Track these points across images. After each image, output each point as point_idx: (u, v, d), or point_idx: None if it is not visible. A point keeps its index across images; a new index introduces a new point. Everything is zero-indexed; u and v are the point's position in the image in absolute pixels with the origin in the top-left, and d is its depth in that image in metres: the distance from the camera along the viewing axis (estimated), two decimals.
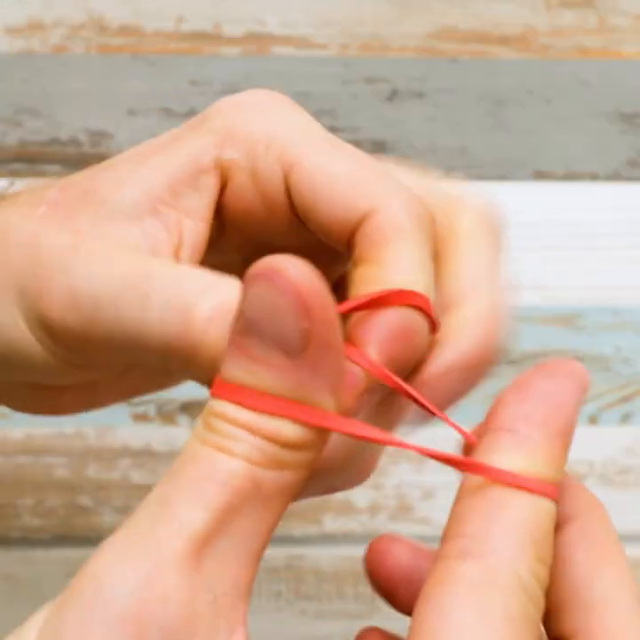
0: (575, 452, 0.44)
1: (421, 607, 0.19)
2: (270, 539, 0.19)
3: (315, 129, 0.25)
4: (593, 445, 0.43)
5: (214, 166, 0.25)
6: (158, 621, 0.17)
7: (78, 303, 0.23)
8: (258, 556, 0.19)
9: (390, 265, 0.23)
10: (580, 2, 0.43)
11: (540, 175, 0.43)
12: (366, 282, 0.23)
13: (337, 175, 0.24)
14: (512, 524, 0.19)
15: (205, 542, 0.18)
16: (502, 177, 0.43)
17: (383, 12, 0.43)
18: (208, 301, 0.21)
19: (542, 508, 0.20)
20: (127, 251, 0.24)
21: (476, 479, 0.21)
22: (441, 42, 0.43)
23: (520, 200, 0.43)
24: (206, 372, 0.21)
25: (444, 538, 0.20)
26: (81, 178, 0.25)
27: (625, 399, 0.43)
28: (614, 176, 0.43)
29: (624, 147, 0.43)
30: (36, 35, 0.43)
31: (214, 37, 0.43)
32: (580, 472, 0.43)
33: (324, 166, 0.24)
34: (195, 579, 0.17)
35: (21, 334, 0.24)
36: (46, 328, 0.23)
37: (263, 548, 0.19)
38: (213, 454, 0.18)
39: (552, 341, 0.43)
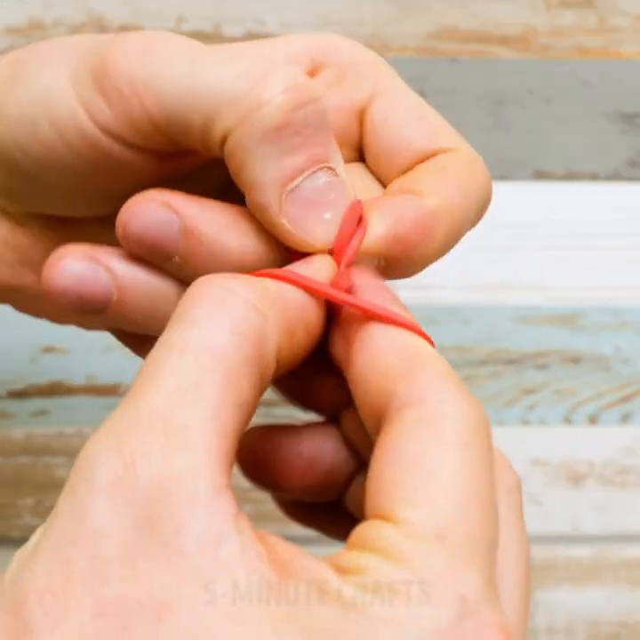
0: (576, 452, 0.45)
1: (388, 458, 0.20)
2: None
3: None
4: (593, 445, 0.43)
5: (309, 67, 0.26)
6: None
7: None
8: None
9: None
10: (579, 2, 0.43)
11: (540, 175, 0.43)
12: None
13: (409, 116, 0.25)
14: (430, 370, 0.22)
15: None
16: (502, 177, 0.43)
17: (383, 11, 0.43)
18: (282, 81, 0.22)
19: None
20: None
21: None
22: (441, 42, 0.43)
23: (520, 200, 0.43)
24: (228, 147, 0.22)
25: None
26: None
27: (625, 399, 0.43)
28: (614, 176, 0.43)
29: (624, 147, 0.43)
30: (36, 35, 0.43)
31: (214, 37, 0.43)
32: (581, 472, 0.43)
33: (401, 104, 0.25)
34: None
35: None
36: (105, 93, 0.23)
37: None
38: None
39: (552, 341, 0.43)
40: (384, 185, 0.26)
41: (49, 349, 0.42)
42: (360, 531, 0.19)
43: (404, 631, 0.17)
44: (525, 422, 0.42)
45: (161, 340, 0.20)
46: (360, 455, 0.25)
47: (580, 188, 0.43)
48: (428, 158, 0.25)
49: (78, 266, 0.23)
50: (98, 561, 0.18)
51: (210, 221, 0.23)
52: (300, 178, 0.22)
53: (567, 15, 0.43)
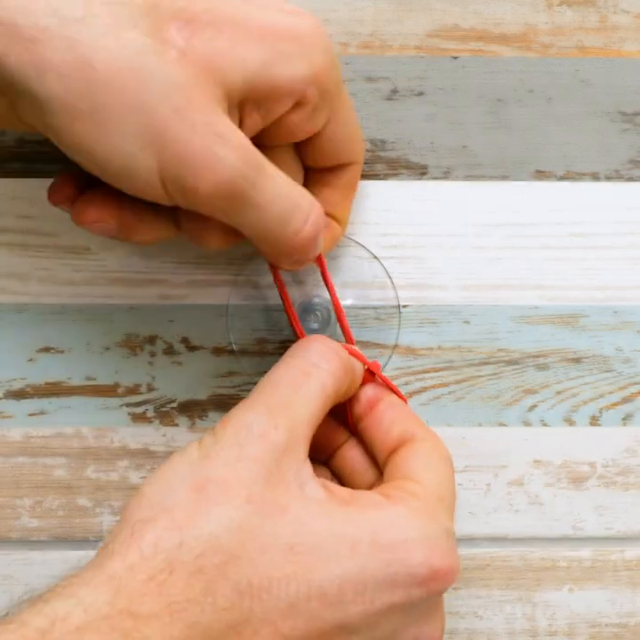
0: (577, 453, 0.45)
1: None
2: None
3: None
4: (594, 446, 0.43)
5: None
6: None
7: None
8: None
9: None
10: (580, 0, 0.43)
11: (541, 174, 0.43)
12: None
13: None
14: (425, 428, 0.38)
15: None
16: (502, 176, 0.43)
17: (383, 10, 0.43)
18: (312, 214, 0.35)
19: None
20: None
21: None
22: (441, 40, 0.43)
23: (520, 200, 0.43)
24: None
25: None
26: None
27: (626, 400, 0.43)
28: (615, 176, 0.43)
29: (625, 146, 0.43)
30: None
31: None
32: (582, 473, 0.42)
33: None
34: None
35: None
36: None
37: None
38: None
39: (552, 341, 0.42)
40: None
41: (47, 349, 0.42)
42: (394, 482, 0.35)
43: (413, 509, 0.33)
44: (526, 423, 0.42)
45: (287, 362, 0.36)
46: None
47: (580, 188, 0.43)
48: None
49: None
50: (250, 469, 0.31)
51: None
52: None
53: (568, 14, 0.43)
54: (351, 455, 0.39)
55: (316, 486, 0.32)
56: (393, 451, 0.36)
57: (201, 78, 0.31)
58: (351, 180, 0.39)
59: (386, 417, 0.37)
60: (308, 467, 0.33)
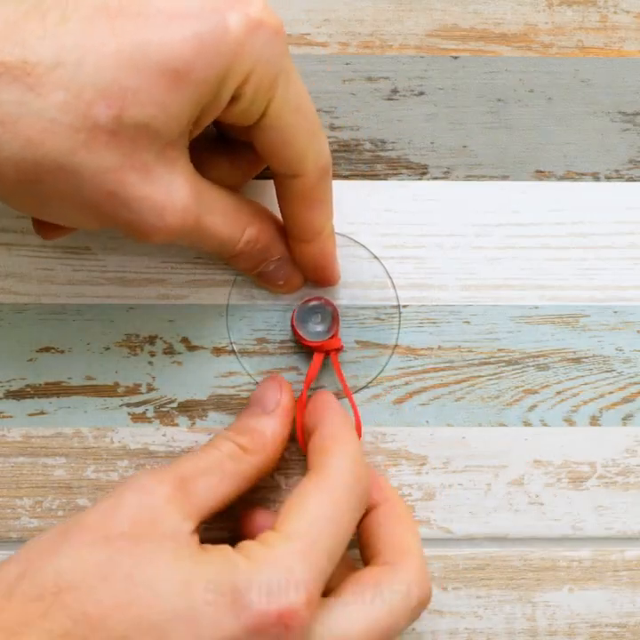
0: (576, 453, 0.45)
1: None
2: None
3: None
4: (594, 446, 0.42)
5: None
6: None
7: None
8: None
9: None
10: (581, 0, 0.43)
11: (541, 174, 0.43)
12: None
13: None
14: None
15: None
16: (503, 176, 0.43)
17: (383, 9, 0.43)
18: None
19: None
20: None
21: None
22: (441, 40, 0.43)
23: (520, 200, 0.43)
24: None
25: None
26: None
27: (626, 400, 0.43)
28: (615, 175, 0.43)
29: (625, 146, 0.43)
30: None
31: None
32: (581, 473, 0.42)
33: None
34: None
35: None
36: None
37: None
38: None
39: (552, 341, 0.42)
40: None
41: (47, 349, 0.42)
42: (262, 535, 0.34)
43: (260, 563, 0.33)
44: (526, 423, 0.42)
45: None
46: None
47: (580, 188, 0.43)
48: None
49: None
50: (121, 515, 0.33)
51: None
52: None
53: (568, 13, 0.43)
54: None
55: (185, 537, 0.33)
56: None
57: (134, 154, 0.32)
58: (306, 192, 0.37)
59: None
60: (186, 527, 0.33)
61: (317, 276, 0.40)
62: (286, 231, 0.39)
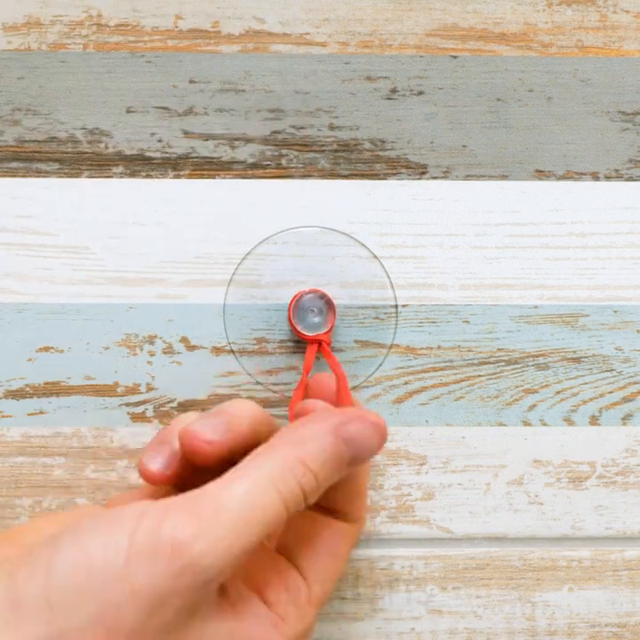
0: (576, 453, 0.45)
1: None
2: None
3: None
4: (594, 446, 0.42)
5: None
6: None
7: None
8: None
9: None
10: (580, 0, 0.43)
11: (540, 174, 0.43)
12: None
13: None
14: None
15: None
16: (502, 176, 0.43)
17: (383, 9, 0.43)
18: None
19: None
20: None
21: None
22: (441, 39, 0.43)
23: (520, 200, 0.43)
24: None
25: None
26: None
27: (626, 399, 0.43)
28: (615, 175, 0.43)
29: (625, 146, 0.43)
30: (33, 32, 0.42)
31: (213, 35, 0.43)
32: (581, 472, 0.42)
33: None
34: None
35: None
36: None
37: None
38: None
39: (552, 341, 0.42)
40: None
41: (46, 349, 0.42)
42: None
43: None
44: (526, 423, 0.42)
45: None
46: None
47: (580, 188, 0.43)
48: None
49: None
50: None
51: None
52: None
53: (568, 13, 0.43)
54: None
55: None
56: None
57: None
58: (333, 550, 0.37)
59: None
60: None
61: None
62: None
